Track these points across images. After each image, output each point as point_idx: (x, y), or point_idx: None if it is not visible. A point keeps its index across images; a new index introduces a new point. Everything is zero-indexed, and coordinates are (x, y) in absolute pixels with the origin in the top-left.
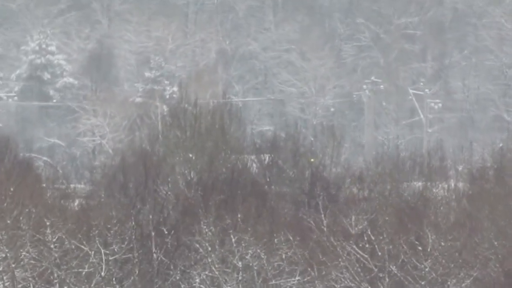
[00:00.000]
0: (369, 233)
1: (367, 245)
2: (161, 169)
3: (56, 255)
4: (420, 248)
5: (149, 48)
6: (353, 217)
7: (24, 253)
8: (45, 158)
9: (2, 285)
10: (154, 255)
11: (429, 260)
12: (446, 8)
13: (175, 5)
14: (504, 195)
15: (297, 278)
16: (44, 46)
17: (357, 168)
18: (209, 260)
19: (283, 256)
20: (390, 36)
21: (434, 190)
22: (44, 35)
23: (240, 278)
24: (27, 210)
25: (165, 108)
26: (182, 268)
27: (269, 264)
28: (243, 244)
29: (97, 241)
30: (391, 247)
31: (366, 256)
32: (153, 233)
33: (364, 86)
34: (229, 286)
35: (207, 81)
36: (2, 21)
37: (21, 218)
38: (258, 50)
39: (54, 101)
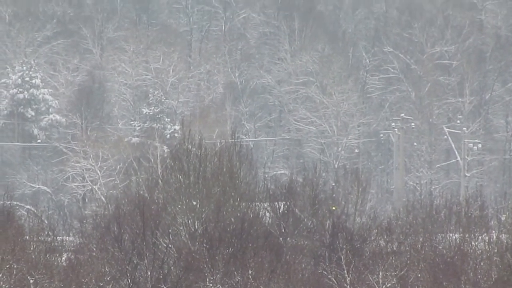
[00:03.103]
0: None
1: None
2: (161, 219)
3: None
4: None
5: (147, 81)
6: (381, 274)
7: None
8: (28, 207)
9: None
10: None
11: None
12: (487, 35)
13: (177, 32)
14: None
15: None
16: (27, 78)
17: (384, 218)
18: None
19: None
20: (422, 67)
21: (473, 243)
22: (27, 66)
23: None
24: (7, 266)
25: (165, 149)
26: None
27: None
28: None
29: None
30: None
31: None
32: None
33: (393, 124)
34: None
35: (214, 118)
36: None
37: (0, 275)
38: (272, 83)
39: (39, 141)
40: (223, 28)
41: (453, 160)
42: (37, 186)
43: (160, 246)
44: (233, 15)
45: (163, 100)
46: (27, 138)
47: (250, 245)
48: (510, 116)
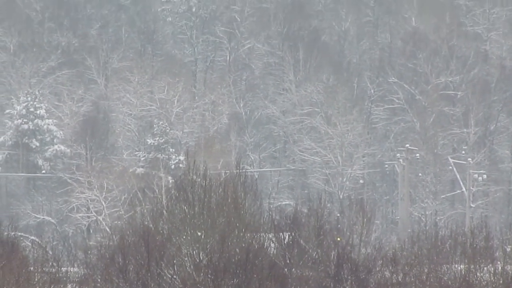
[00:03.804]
0: None
1: None
2: (165, 249)
3: None
4: None
5: (152, 112)
6: None
7: None
8: (32, 237)
9: None
10: None
11: None
12: (492, 65)
13: (182, 62)
14: None
15: None
16: (32, 109)
17: (390, 248)
18: None
19: None
20: (427, 98)
21: (478, 274)
22: (32, 96)
23: None
24: None
25: (170, 179)
26: None
27: None
28: None
29: None
30: None
31: None
32: None
33: (398, 155)
34: None
35: (218, 149)
36: None
37: None
38: (276, 113)
39: (43, 172)
40: (228, 58)
41: (458, 191)
42: (42, 217)
43: (165, 277)
44: (237, 45)
45: (167, 130)
46: (31, 169)
47: (255, 275)
48: None
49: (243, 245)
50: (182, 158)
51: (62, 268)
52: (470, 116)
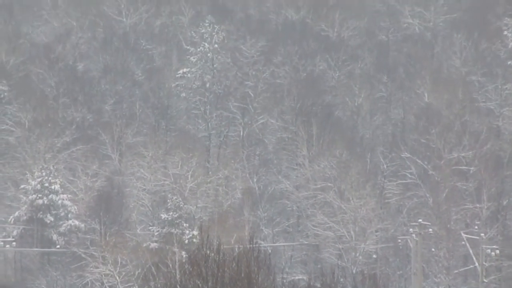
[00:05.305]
0: None
1: None
2: None
3: None
4: None
5: (165, 187)
6: None
7: None
8: None
9: None
10: None
11: None
12: (505, 141)
13: (196, 138)
14: None
15: None
16: (46, 184)
17: None
18: None
19: None
20: (439, 173)
21: None
22: (46, 171)
23: None
24: None
25: (183, 254)
26: None
27: None
28: None
29: None
30: None
31: None
32: None
33: (411, 230)
34: None
35: (232, 224)
36: None
37: None
38: (290, 189)
39: (58, 247)
40: (241, 133)
41: (471, 266)
42: None
43: None
44: (251, 120)
45: (181, 205)
46: (46, 244)
47: None
48: None
49: None
50: (195, 233)
51: None
52: (482, 191)
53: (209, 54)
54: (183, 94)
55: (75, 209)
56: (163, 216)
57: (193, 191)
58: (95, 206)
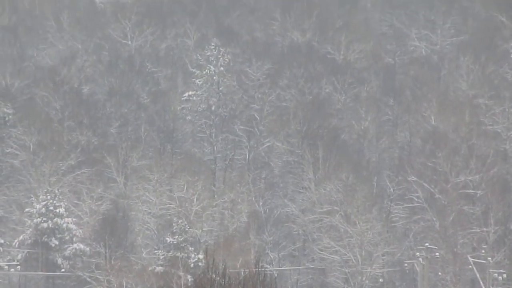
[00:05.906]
0: None
1: None
2: None
3: None
4: None
5: (171, 210)
6: None
7: None
8: None
9: None
10: None
11: None
12: None
13: (201, 161)
14: None
15: None
16: (51, 207)
17: None
18: None
19: None
20: (446, 197)
21: None
22: (51, 195)
23: None
24: None
25: (189, 278)
26: None
27: None
28: None
29: None
30: None
31: None
32: None
33: (417, 254)
34: None
35: (238, 247)
36: (3, 180)
37: None
38: (296, 212)
39: (63, 270)
40: (247, 157)
41: None
42: None
43: None
44: (257, 143)
45: (187, 229)
46: (51, 267)
47: None
48: None
49: None
50: (201, 256)
51: None
52: (489, 215)
53: (214, 77)
54: (189, 117)
55: (80, 232)
56: (169, 239)
57: (198, 214)
58: (100, 229)
